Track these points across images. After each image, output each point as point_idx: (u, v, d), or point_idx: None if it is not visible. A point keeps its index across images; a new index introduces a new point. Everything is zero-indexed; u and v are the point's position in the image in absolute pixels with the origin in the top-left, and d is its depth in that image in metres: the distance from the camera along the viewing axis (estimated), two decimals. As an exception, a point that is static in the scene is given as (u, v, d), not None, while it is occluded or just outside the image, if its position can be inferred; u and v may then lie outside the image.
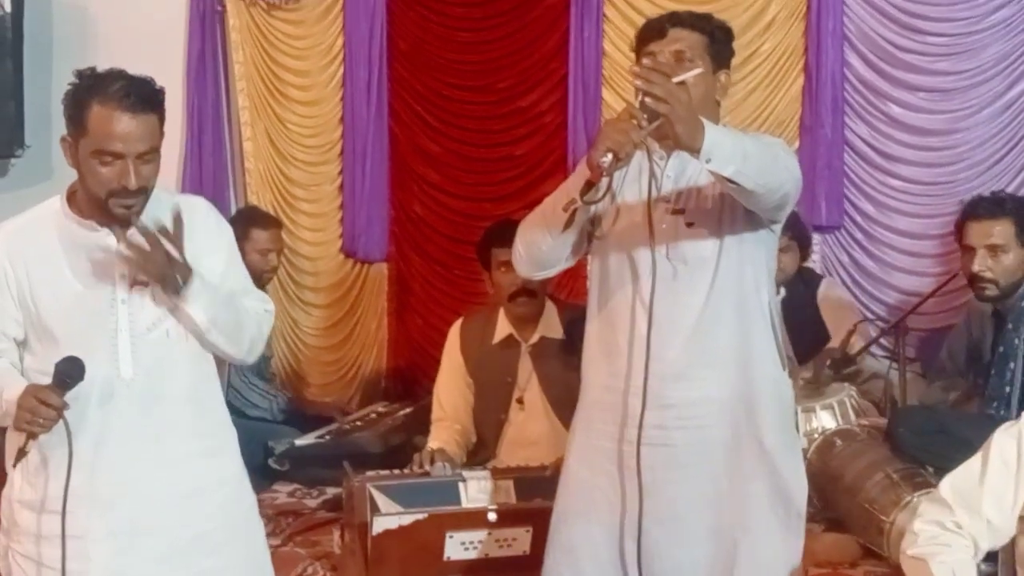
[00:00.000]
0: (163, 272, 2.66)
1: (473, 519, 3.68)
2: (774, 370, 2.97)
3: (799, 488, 2.96)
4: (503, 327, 4.40)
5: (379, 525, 3.60)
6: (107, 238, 2.72)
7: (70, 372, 2.62)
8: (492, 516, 3.67)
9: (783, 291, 4.77)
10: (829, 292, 5.18)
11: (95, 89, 2.62)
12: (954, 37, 5.33)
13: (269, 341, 5.56)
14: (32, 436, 2.62)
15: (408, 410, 5.36)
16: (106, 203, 2.65)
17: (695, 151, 2.58)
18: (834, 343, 4.90)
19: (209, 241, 2.85)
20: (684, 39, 2.90)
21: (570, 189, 2.82)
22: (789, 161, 2.83)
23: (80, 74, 2.68)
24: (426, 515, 3.64)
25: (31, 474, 2.74)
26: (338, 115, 6.19)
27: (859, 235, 5.52)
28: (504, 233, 4.18)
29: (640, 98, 2.66)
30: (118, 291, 2.72)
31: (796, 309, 4.79)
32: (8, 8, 5.89)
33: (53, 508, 2.70)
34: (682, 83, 2.66)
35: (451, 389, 4.46)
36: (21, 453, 2.64)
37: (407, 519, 3.62)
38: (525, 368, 4.35)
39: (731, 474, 2.90)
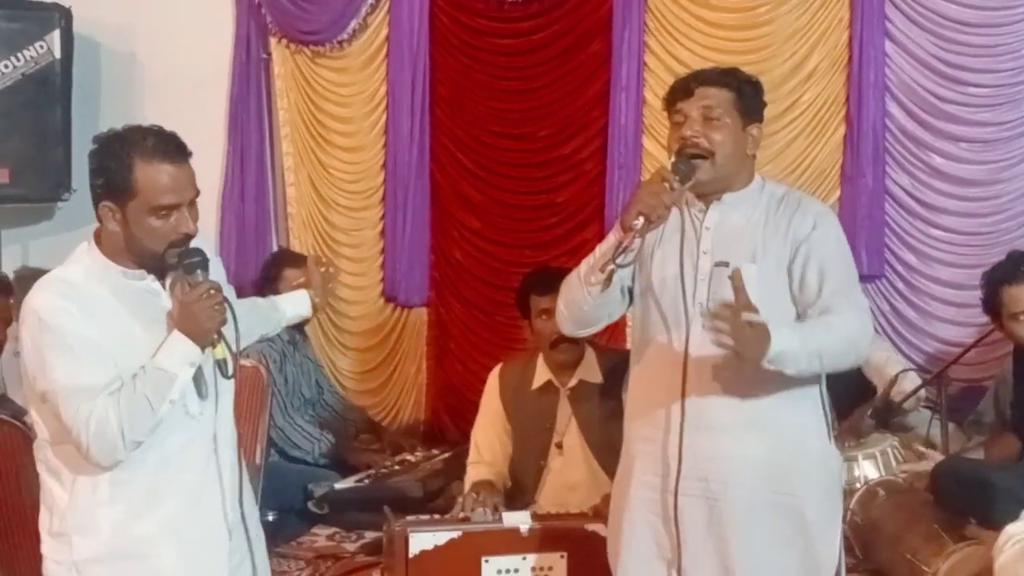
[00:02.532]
0: None
1: (507, 537, 3.71)
2: (820, 442, 2.99)
3: (830, 563, 2.99)
4: (542, 373, 4.39)
5: (415, 544, 3.64)
6: (154, 284, 2.72)
7: (202, 256, 2.66)
8: (524, 529, 3.69)
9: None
10: (873, 349, 5.13)
11: (132, 149, 2.61)
12: (996, 88, 5.34)
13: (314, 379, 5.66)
14: (220, 337, 2.65)
15: (447, 455, 5.36)
16: (164, 255, 2.66)
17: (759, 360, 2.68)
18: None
19: (222, 275, 2.90)
20: (711, 96, 2.93)
21: (605, 250, 2.86)
22: (866, 325, 2.93)
23: (103, 140, 2.66)
24: (460, 533, 3.67)
25: (102, 530, 2.70)
26: (380, 161, 6.24)
27: (900, 285, 5.51)
28: (543, 281, 4.21)
29: (672, 159, 2.74)
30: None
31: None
32: (57, 54, 5.99)
33: (135, 552, 2.70)
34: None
35: (489, 435, 4.45)
36: (224, 363, 2.67)
37: (442, 537, 3.66)
38: (564, 413, 4.34)
39: (768, 537, 2.93)
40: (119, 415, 2.59)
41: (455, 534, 3.66)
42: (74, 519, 2.72)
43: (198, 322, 2.61)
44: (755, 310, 2.67)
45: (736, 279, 2.73)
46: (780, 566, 2.92)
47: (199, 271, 2.65)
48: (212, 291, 2.63)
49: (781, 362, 2.67)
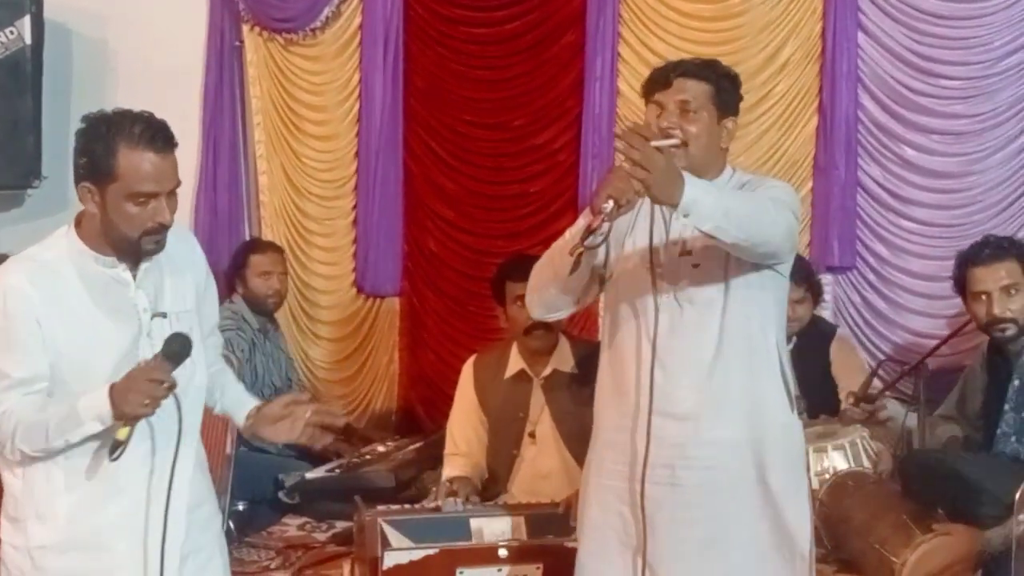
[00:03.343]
0: None
1: (484, 555, 3.69)
2: (783, 415, 3.00)
3: (803, 531, 3.00)
4: (515, 362, 4.41)
5: (390, 560, 3.60)
6: (124, 274, 2.73)
7: (183, 349, 2.63)
8: (503, 552, 3.68)
9: (794, 340, 4.76)
10: (842, 345, 5.16)
11: (118, 134, 2.62)
12: (968, 81, 5.35)
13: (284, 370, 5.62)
14: (133, 423, 2.60)
15: (419, 445, 5.35)
16: (139, 242, 2.67)
17: (672, 207, 2.64)
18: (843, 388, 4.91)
19: (203, 274, 2.93)
20: (689, 89, 2.94)
21: (574, 233, 2.87)
22: (781, 217, 2.84)
23: (91, 120, 2.67)
24: (437, 550, 3.65)
25: (58, 517, 2.71)
26: (353, 150, 6.21)
27: (871, 276, 5.52)
28: (518, 267, 4.21)
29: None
30: (142, 325, 2.73)
31: (808, 359, 4.76)
32: (28, 40, 5.92)
33: (92, 544, 2.71)
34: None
35: (464, 426, 4.47)
36: (119, 445, 2.60)
37: (418, 554, 3.63)
38: (537, 402, 4.36)
39: (737, 516, 2.94)
40: (18, 421, 2.63)
41: (432, 551, 3.64)
42: (31, 506, 2.73)
43: (124, 398, 2.58)
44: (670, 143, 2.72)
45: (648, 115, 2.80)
46: (753, 540, 2.94)
47: (170, 363, 2.61)
48: (163, 384, 2.58)
49: (696, 211, 2.63)
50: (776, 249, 2.85)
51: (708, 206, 2.64)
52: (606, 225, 2.72)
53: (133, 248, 2.69)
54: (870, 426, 4.72)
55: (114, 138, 2.61)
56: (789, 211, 2.90)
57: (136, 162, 2.61)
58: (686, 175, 2.64)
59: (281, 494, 4.99)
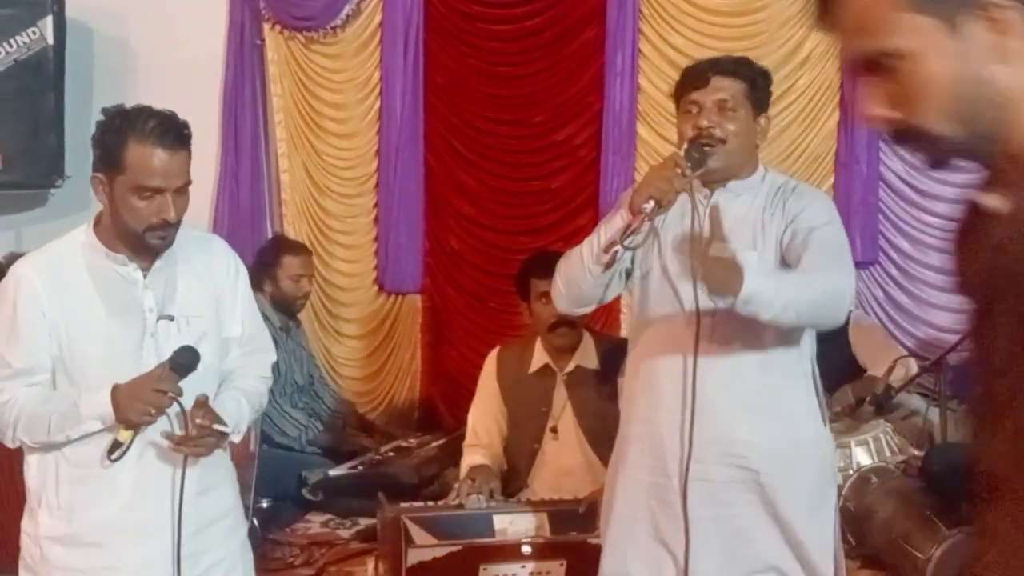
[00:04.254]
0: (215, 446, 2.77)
1: (507, 552, 3.70)
2: (815, 427, 3.03)
3: (825, 541, 3.03)
4: (539, 357, 4.41)
5: (413, 557, 3.61)
6: (135, 272, 2.76)
7: (190, 361, 2.67)
8: (526, 549, 3.68)
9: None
10: (859, 323, 5.13)
11: (130, 128, 2.66)
12: (991, 73, 5.33)
13: (306, 368, 5.62)
14: (137, 428, 2.65)
15: (441, 441, 5.35)
16: (143, 236, 2.71)
17: (732, 298, 2.66)
18: (873, 372, 4.88)
19: (228, 283, 2.94)
20: (727, 88, 2.97)
21: (610, 230, 2.87)
22: (841, 303, 2.88)
23: (109, 113, 2.72)
24: (460, 547, 3.65)
25: (63, 509, 2.76)
26: (374, 148, 6.22)
27: (894, 271, 5.51)
28: (543, 264, 4.21)
29: (686, 147, 2.77)
30: (147, 325, 2.75)
31: (826, 353, 4.74)
32: (51, 40, 5.95)
33: (91, 541, 2.75)
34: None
35: (485, 416, 4.47)
36: (119, 446, 2.65)
37: (441, 551, 3.64)
38: (560, 397, 4.35)
39: (768, 517, 2.95)
40: (20, 411, 2.69)
41: (455, 548, 3.65)
42: (40, 496, 2.78)
43: (129, 405, 2.63)
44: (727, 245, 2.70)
45: (713, 213, 2.77)
46: (774, 545, 2.95)
47: (176, 375, 2.65)
48: (167, 395, 2.63)
49: (755, 303, 2.65)
50: (835, 322, 2.90)
51: (768, 298, 2.68)
52: (646, 225, 2.75)
53: (139, 243, 2.73)
54: (893, 421, 4.71)
55: (126, 131, 2.67)
56: (849, 271, 2.94)
57: (143, 156, 2.65)
58: (746, 265, 2.66)
59: (304, 491, 4.99)
